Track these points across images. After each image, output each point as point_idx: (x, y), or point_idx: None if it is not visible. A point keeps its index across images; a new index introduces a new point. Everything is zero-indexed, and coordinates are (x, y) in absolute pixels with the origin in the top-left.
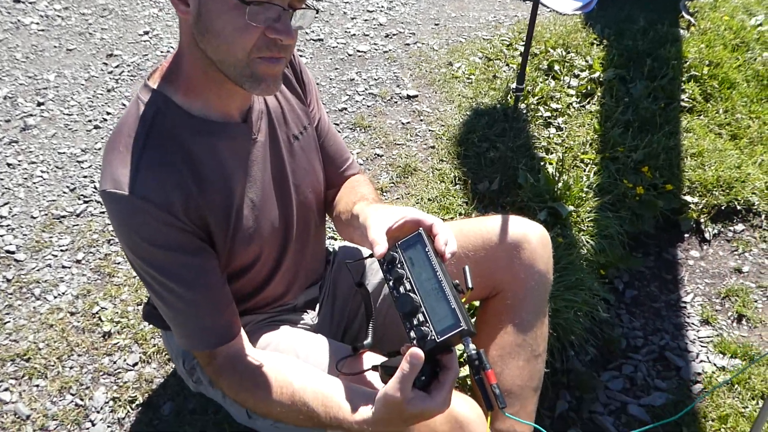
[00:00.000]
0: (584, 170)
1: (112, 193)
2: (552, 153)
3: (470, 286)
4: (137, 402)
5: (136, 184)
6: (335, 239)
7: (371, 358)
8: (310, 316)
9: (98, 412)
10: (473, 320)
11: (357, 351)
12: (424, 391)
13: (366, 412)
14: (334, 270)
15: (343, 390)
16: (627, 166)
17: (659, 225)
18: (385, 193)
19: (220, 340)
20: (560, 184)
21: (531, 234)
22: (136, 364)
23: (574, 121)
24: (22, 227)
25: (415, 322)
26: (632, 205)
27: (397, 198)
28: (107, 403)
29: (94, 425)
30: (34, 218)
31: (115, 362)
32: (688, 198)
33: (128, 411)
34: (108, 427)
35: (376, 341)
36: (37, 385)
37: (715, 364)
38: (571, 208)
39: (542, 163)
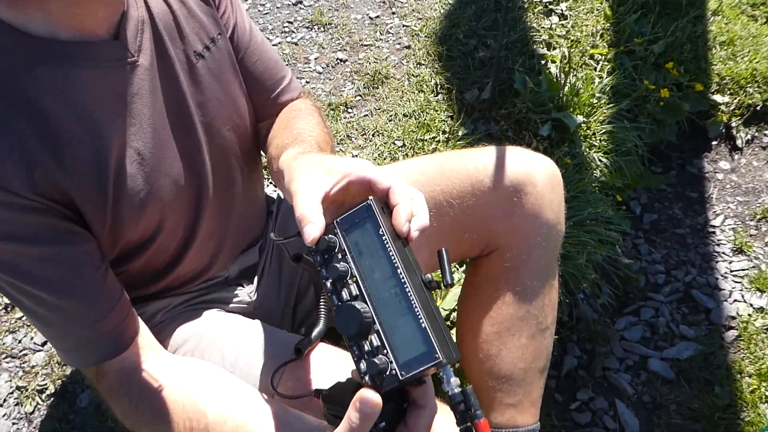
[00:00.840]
0: (595, 69)
1: None
2: (555, 48)
3: (449, 281)
4: (48, 392)
5: None
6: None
7: (324, 355)
8: (247, 291)
9: (0, 405)
10: (456, 291)
11: (301, 353)
12: None
13: None
14: (278, 224)
15: (275, 422)
16: (647, 62)
17: (683, 132)
18: (350, 110)
19: (108, 352)
20: (566, 89)
21: (536, 172)
22: (45, 342)
23: (581, 6)
24: None
25: (367, 348)
26: (653, 111)
27: (365, 115)
28: (11, 393)
29: None
30: None
31: (19, 341)
32: (717, 97)
33: (37, 403)
34: (13, 424)
35: (330, 323)
36: None
37: (751, 305)
38: (581, 118)
39: (543, 63)
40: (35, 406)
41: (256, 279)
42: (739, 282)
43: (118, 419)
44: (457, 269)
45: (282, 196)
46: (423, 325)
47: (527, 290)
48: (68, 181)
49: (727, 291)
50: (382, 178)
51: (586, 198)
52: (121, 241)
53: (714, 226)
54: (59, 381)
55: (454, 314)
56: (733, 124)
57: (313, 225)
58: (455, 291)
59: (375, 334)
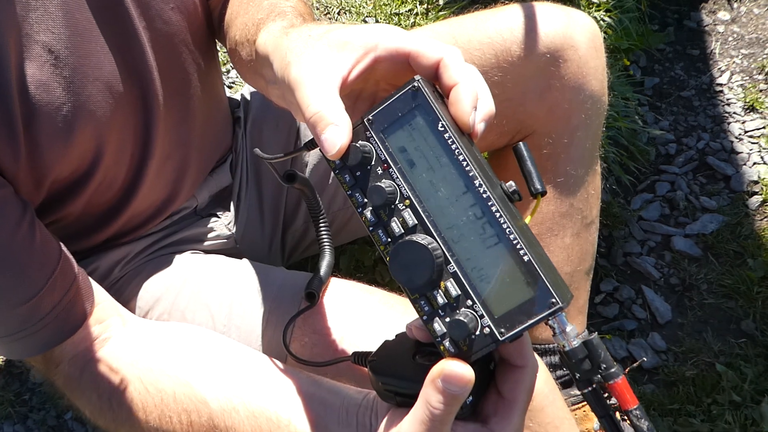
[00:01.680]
0: None
1: None
2: None
3: (540, 187)
4: None
5: None
6: None
7: (341, 294)
8: (224, 221)
9: None
10: None
11: (315, 298)
12: (474, 421)
13: None
14: (249, 132)
15: (304, 402)
16: None
17: None
18: None
19: (53, 337)
20: None
21: (577, 32)
22: None
23: None
24: None
25: (441, 301)
26: None
27: None
28: None
29: None
30: None
31: None
32: None
33: None
34: None
35: (334, 241)
36: None
37: None
38: None
39: None
40: None
41: (232, 205)
42: (756, 143)
43: (94, 424)
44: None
45: (248, 97)
46: (525, 257)
47: (569, 180)
48: None
49: (744, 154)
50: (427, 48)
51: None
52: (48, 178)
53: (721, 84)
54: (1, 358)
55: None
56: None
57: (336, 128)
58: None
59: (451, 279)
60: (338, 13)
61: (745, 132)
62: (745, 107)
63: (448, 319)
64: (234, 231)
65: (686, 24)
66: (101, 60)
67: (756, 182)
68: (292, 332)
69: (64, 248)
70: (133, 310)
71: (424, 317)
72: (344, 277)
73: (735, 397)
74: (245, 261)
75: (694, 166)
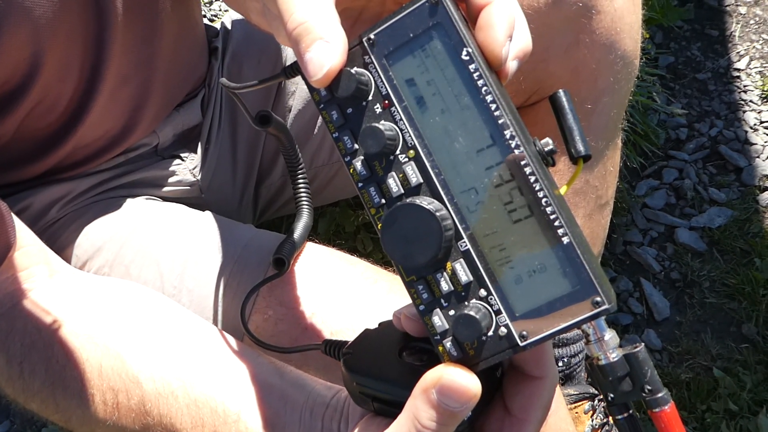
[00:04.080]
0: None
1: None
2: None
3: (582, 149)
4: None
5: None
6: None
7: (316, 263)
8: (189, 166)
9: None
10: None
11: (284, 265)
12: None
13: None
14: (227, 65)
15: (259, 394)
16: None
17: None
18: None
19: None
20: None
21: None
22: None
23: None
24: None
25: (446, 288)
26: None
27: None
28: None
29: None
30: None
31: None
32: None
33: None
34: None
35: (314, 201)
36: None
37: None
38: None
39: None
40: None
41: (200, 148)
42: None
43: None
44: None
45: (229, 26)
46: (566, 238)
47: None
48: None
49: (759, 146)
50: None
51: None
52: None
53: (738, 70)
54: None
55: None
56: None
57: (325, 45)
58: None
59: (462, 260)
60: None
61: (761, 122)
62: (763, 96)
63: (453, 312)
64: (199, 178)
65: (707, 2)
66: None
67: None
68: (255, 302)
69: None
70: (68, 260)
71: (421, 306)
72: (322, 243)
73: (731, 405)
74: (208, 213)
75: (704, 155)
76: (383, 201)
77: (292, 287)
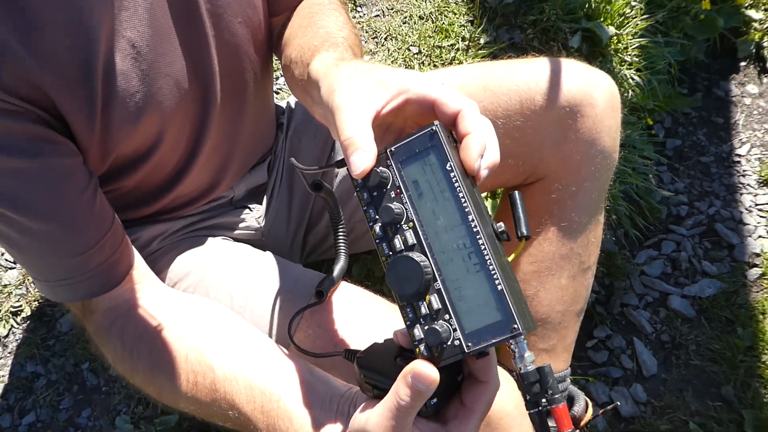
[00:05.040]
0: None
1: None
2: None
3: (525, 232)
4: (24, 314)
5: None
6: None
7: (348, 297)
8: (255, 215)
9: None
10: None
11: (323, 296)
12: (435, 421)
13: None
14: (290, 138)
15: (296, 384)
16: None
17: (712, 51)
18: (358, 8)
19: (96, 288)
20: None
21: (596, 92)
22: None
23: None
24: None
25: (424, 311)
26: (686, 25)
27: (376, 15)
28: None
29: None
30: None
31: None
32: (751, 13)
33: (12, 326)
34: None
35: (350, 249)
36: None
37: None
38: (613, 30)
39: None
40: (9, 329)
41: (264, 201)
42: (765, 216)
43: (115, 368)
44: (490, 197)
45: (293, 106)
46: (499, 286)
47: (573, 226)
48: (45, 75)
49: (752, 226)
50: (450, 99)
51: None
52: (113, 153)
53: (739, 155)
54: (35, 303)
55: None
56: (765, 44)
57: (363, 152)
58: None
59: (435, 294)
60: (385, 39)
61: (756, 205)
62: (760, 181)
63: (426, 327)
64: (262, 225)
65: (715, 92)
66: (174, 59)
67: (758, 255)
68: (299, 323)
69: (116, 216)
70: (163, 280)
71: (408, 323)
72: (354, 283)
73: None
74: (268, 253)
75: (701, 231)
76: (390, 252)
77: (329, 314)
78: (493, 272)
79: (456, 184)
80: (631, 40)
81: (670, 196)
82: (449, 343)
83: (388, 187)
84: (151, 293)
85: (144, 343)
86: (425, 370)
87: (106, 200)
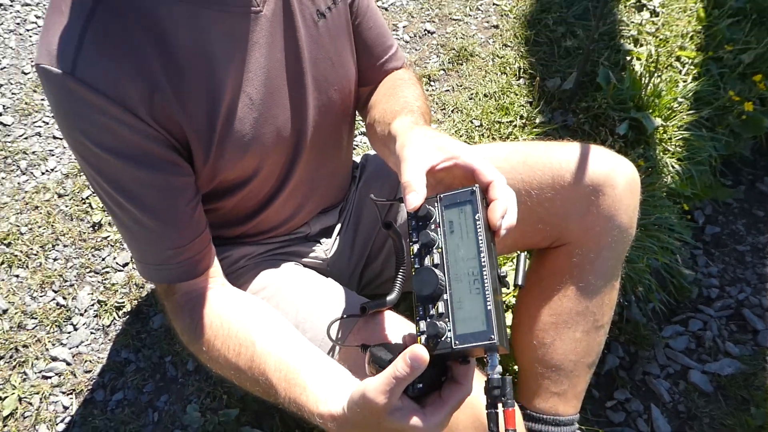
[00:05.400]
0: (680, 72)
1: (46, 69)
2: (642, 45)
3: (520, 283)
4: (125, 309)
5: (78, 63)
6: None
7: (391, 323)
8: (324, 248)
9: (82, 314)
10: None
11: (364, 312)
12: (416, 403)
13: (335, 405)
14: (360, 189)
15: (315, 367)
16: (734, 71)
17: (758, 147)
18: (432, 83)
19: (181, 276)
20: (648, 89)
21: (617, 175)
22: (126, 264)
23: (674, 4)
24: (11, 84)
25: (432, 312)
26: (732, 123)
27: (446, 90)
28: (92, 305)
29: (76, 329)
30: (26, 74)
31: (103, 259)
32: None
33: (114, 318)
34: (91, 333)
35: (405, 285)
36: (17, 276)
37: None
38: (659, 121)
39: (628, 59)
40: (112, 321)
41: (333, 238)
42: None
43: (179, 339)
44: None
45: (366, 163)
46: (489, 307)
47: (590, 287)
48: (183, 114)
49: None
50: (486, 171)
51: (653, 202)
52: (219, 177)
53: None
54: (135, 301)
55: (512, 300)
56: None
57: (416, 193)
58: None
59: (443, 302)
60: (452, 111)
61: None
62: None
63: (430, 323)
64: (329, 257)
65: (758, 186)
66: (279, 112)
67: None
68: (347, 335)
69: (208, 226)
70: (245, 290)
71: (417, 317)
72: (398, 314)
73: None
74: (330, 280)
75: (729, 314)
76: (419, 265)
77: (369, 332)
78: (488, 297)
79: (479, 231)
80: (675, 131)
81: (691, 275)
82: (443, 338)
83: (431, 220)
84: (219, 287)
85: (207, 318)
86: (421, 352)
87: (204, 214)
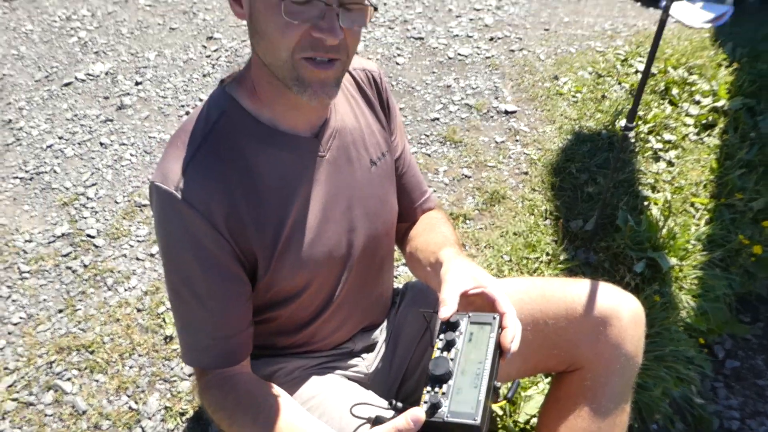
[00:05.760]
0: (694, 217)
1: (158, 186)
2: (659, 192)
3: (510, 396)
4: (188, 415)
5: (182, 184)
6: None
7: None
8: (366, 363)
9: (150, 418)
10: (543, 396)
11: (390, 405)
12: None
13: None
14: (399, 313)
15: None
16: (745, 217)
17: None
18: (467, 221)
19: (218, 363)
20: (664, 231)
21: (623, 309)
22: (192, 374)
23: (689, 155)
24: (104, 211)
25: (437, 390)
26: (745, 263)
27: (480, 228)
28: (159, 410)
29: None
30: (117, 203)
31: (172, 368)
32: None
33: (178, 423)
34: None
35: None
36: (97, 380)
37: None
38: (674, 261)
39: (646, 204)
40: (176, 425)
41: (374, 354)
42: None
43: (210, 415)
44: (543, 380)
45: (405, 291)
46: (480, 399)
47: (602, 409)
48: (254, 233)
49: None
50: (505, 304)
51: (669, 335)
52: (274, 288)
53: None
54: (197, 408)
55: (533, 419)
56: None
57: (448, 308)
58: (538, 399)
59: (447, 385)
60: (484, 247)
61: None
62: None
63: (433, 396)
64: (370, 371)
65: None
66: (333, 237)
67: None
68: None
69: (251, 326)
70: (296, 398)
71: (425, 391)
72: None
73: None
74: (370, 392)
75: None
76: (438, 354)
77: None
78: (481, 392)
79: (491, 346)
80: (690, 270)
81: (703, 404)
82: (440, 409)
83: (457, 328)
84: (248, 372)
85: (233, 394)
86: (420, 414)
87: (251, 316)
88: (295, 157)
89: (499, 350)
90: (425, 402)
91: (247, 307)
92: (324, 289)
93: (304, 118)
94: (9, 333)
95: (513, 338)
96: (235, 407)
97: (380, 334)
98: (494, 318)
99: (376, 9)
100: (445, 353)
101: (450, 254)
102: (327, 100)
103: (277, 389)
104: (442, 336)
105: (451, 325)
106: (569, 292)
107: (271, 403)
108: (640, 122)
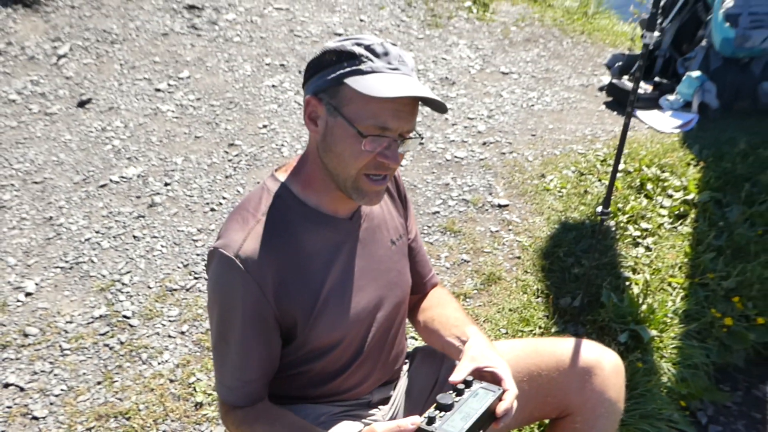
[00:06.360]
0: (671, 294)
1: (221, 252)
2: (639, 273)
3: None
4: None
5: (241, 250)
6: (415, 339)
7: None
8: (382, 413)
9: None
10: None
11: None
12: None
13: None
14: (411, 370)
15: None
16: (717, 294)
17: (750, 358)
18: (467, 299)
19: (244, 400)
20: (644, 307)
21: (604, 361)
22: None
23: (665, 242)
24: (138, 295)
25: (439, 414)
26: (720, 336)
27: (479, 305)
28: None
29: None
30: (150, 288)
31: (202, 431)
32: None
33: None
34: None
35: None
36: None
37: None
38: (654, 332)
39: (627, 283)
40: None
41: (389, 405)
42: None
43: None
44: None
45: (415, 354)
46: (465, 427)
47: None
48: (296, 296)
49: None
50: (509, 382)
51: (653, 397)
52: (309, 345)
53: None
54: None
55: None
56: None
57: (458, 375)
58: None
59: (445, 413)
60: (483, 322)
61: None
62: None
63: (431, 419)
64: (386, 420)
65: (754, 392)
66: (362, 299)
67: None
68: None
69: (273, 372)
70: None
71: (429, 410)
72: None
73: None
74: None
75: None
76: (448, 392)
77: None
78: (468, 424)
79: (487, 403)
80: (669, 341)
81: None
82: (433, 423)
83: (465, 386)
84: (267, 405)
85: (252, 413)
86: (418, 420)
87: (275, 363)
88: (334, 234)
89: (494, 415)
90: (426, 416)
91: (276, 358)
92: (352, 346)
93: (344, 206)
94: (51, 403)
95: (506, 412)
96: (254, 421)
97: (394, 390)
98: (499, 389)
99: (421, 138)
100: (453, 394)
101: (474, 331)
102: (376, 203)
103: (288, 410)
104: (455, 386)
105: (464, 383)
106: (558, 348)
107: (285, 413)
108: (619, 213)
